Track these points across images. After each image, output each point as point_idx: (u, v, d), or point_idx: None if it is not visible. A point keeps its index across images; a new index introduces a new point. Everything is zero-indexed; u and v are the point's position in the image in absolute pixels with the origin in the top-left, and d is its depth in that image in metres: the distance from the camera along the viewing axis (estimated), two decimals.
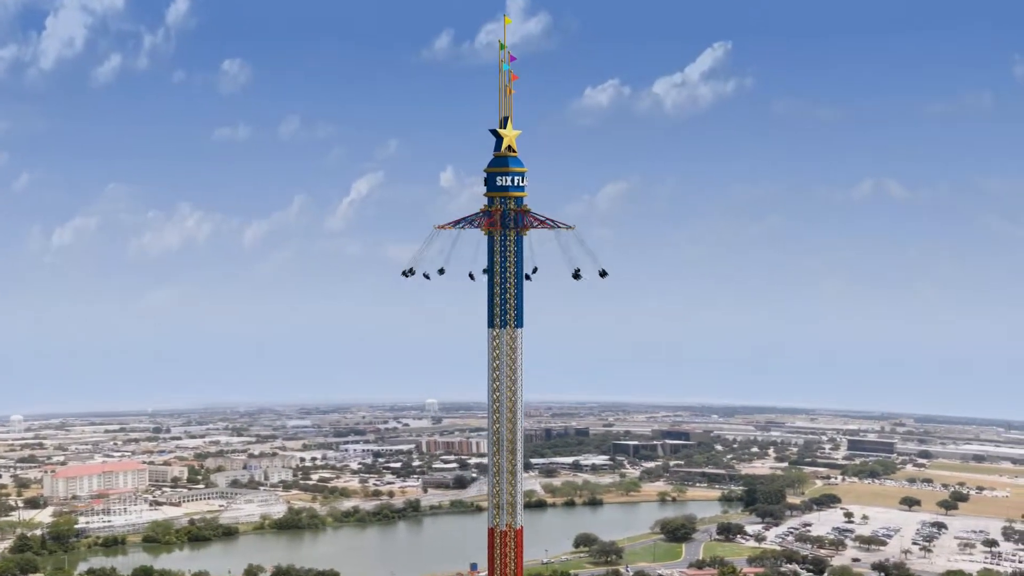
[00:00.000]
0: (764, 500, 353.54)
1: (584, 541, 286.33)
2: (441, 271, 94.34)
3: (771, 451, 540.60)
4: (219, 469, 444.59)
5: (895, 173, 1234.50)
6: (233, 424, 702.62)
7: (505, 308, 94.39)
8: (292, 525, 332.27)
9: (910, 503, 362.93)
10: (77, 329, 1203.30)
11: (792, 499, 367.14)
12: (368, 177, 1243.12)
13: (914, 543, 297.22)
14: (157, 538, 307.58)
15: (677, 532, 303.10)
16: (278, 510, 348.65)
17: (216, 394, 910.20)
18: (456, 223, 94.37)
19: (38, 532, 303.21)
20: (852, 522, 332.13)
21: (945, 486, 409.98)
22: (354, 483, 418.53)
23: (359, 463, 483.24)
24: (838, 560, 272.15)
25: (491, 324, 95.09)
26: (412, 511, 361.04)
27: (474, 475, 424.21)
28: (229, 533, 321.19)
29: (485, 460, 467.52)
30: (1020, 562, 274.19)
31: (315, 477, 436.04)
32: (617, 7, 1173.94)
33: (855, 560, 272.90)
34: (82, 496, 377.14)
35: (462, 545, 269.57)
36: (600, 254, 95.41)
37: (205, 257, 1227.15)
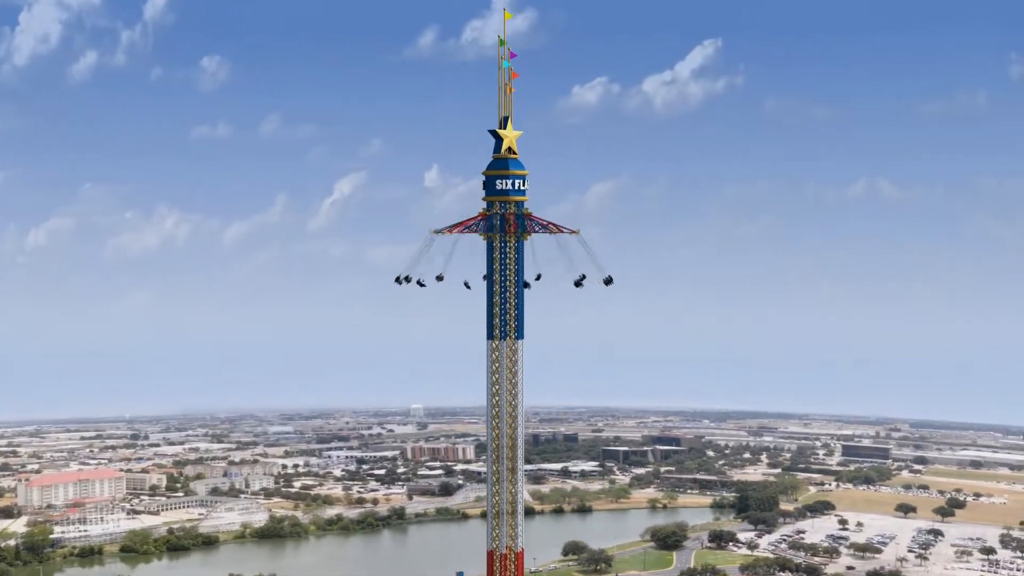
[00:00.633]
0: (757, 507, 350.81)
1: (573, 549, 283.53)
2: (439, 278, 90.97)
3: (764, 457, 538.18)
4: (199, 477, 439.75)
5: (889, 173, 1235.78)
6: (213, 430, 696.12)
7: (505, 319, 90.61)
8: (274, 534, 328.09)
9: (906, 510, 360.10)
10: (52, 333, 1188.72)
11: (785, 506, 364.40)
12: (351, 177, 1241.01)
13: (910, 551, 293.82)
14: (135, 548, 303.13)
15: (668, 540, 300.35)
16: (259, 518, 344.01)
17: (195, 399, 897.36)
18: (454, 228, 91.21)
19: (12, 543, 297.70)
20: (847, 529, 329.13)
21: (941, 492, 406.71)
22: (337, 490, 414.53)
23: (342, 470, 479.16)
24: (832, 568, 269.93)
25: (490, 336, 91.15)
26: (397, 519, 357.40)
27: (460, 482, 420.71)
28: (209, 542, 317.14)
29: (472, 467, 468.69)
30: (1018, 570, 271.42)
31: (297, 484, 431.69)
32: (605, 3, 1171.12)
33: (849, 568, 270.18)
34: (57, 505, 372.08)
35: (448, 554, 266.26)
36: (590, 256, 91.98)
37: (184, 259, 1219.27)
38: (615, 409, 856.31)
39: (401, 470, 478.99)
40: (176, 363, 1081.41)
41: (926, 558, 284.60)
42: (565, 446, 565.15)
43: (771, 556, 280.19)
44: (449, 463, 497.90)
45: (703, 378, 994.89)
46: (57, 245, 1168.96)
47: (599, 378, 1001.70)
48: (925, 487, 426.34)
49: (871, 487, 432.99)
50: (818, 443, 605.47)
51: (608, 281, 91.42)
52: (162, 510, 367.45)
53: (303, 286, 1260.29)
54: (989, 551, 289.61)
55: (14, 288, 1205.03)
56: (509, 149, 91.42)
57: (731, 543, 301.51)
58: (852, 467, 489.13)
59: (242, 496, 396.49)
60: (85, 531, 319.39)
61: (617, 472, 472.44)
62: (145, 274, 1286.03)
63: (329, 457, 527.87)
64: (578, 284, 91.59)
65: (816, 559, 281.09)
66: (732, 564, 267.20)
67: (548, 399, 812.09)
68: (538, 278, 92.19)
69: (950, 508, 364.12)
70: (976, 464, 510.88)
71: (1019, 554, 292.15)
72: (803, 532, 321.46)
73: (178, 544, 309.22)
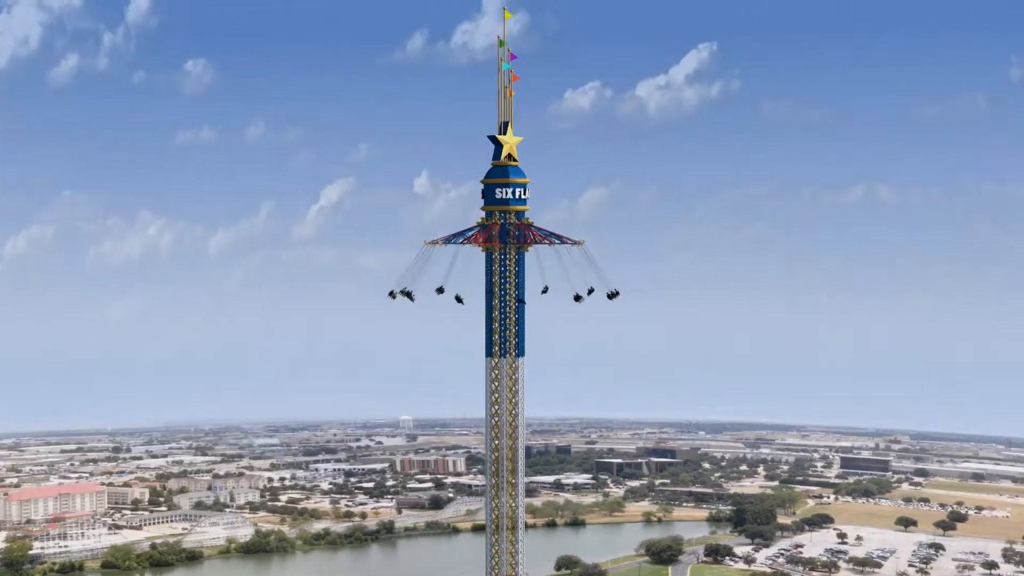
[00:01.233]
0: (753, 520, 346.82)
1: (566, 563, 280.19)
2: (440, 290, 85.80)
3: (761, 469, 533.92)
4: (182, 490, 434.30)
5: (887, 177, 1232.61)
6: (197, 443, 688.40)
7: (505, 335, 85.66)
8: (259, 549, 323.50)
9: (906, 523, 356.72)
10: (31, 343, 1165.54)
11: (783, 519, 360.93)
12: (338, 183, 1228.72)
13: (910, 565, 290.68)
14: (117, 564, 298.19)
15: (663, 554, 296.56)
16: (245, 533, 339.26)
17: (179, 411, 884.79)
18: (448, 239, 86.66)
19: None
20: (845, 543, 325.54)
21: (943, 506, 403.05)
22: (325, 504, 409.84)
23: (330, 483, 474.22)
24: None
25: (489, 353, 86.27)
26: (386, 533, 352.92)
27: (451, 495, 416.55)
28: (193, 558, 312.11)
29: (462, 480, 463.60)
30: None
31: (284, 498, 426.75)
32: (598, 6, 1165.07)
33: None
34: (37, 520, 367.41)
35: (438, 568, 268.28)
36: (594, 268, 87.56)
37: (168, 267, 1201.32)
38: (609, 420, 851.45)
39: (390, 483, 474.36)
40: (159, 374, 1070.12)
41: (927, 572, 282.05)
42: (558, 458, 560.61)
43: (768, 571, 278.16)
44: (439, 476, 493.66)
45: (699, 389, 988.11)
46: (37, 253, 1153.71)
47: (592, 389, 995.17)
48: (926, 500, 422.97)
49: (870, 500, 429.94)
50: (816, 455, 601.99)
51: (613, 295, 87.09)
52: (145, 525, 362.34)
53: (289, 294, 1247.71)
54: (992, 565, 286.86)
55: None
56: (509, 156, 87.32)
57: (727, 557, 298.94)
58: (851, 480, 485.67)
59: (227, 510, 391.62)
60: (66, 547, 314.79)
61: (611, 485, 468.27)
62: (127, 283, 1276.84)
63: (316, 470, 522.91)
64: (578, 299, 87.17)
65: (815, 573, 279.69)
66: None
67: (540, 410, 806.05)
68: (545, 291, 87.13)
69: (951, 521, 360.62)
70: (978, 477, 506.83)
71: (1022, 568, 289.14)
72: (801, 546, 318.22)
73: (161, 560, 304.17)
